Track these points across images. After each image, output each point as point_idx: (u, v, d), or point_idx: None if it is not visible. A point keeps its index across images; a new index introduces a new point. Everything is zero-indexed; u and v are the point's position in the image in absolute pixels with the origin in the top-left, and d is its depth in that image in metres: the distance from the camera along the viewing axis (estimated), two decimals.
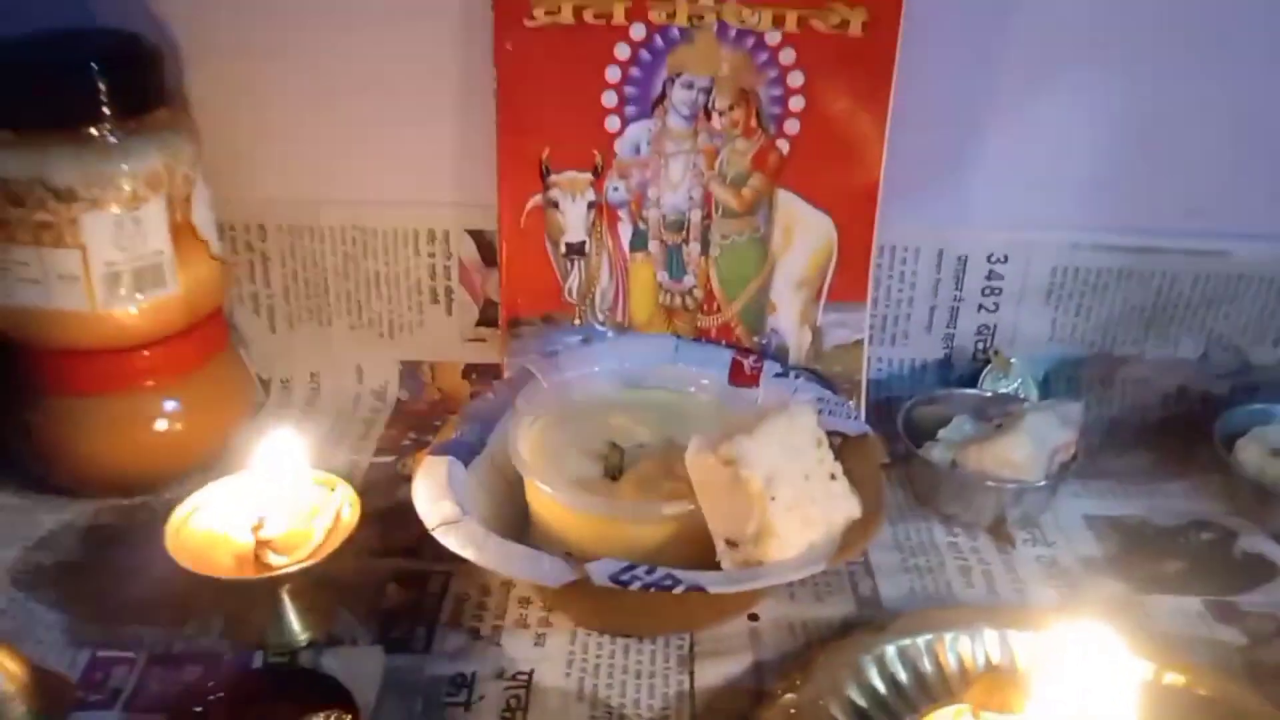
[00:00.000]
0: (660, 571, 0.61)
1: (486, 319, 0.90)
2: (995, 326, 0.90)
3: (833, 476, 0.67)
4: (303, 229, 0.88)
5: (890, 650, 0.64)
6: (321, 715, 0.59)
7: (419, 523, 0.67)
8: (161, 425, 0.79)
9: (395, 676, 0.65)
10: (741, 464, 0.63)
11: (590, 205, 0.82)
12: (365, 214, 0.88)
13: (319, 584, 0.68)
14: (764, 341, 0.84)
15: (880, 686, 0.63)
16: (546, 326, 0.84)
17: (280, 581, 0.64)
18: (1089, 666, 0.50)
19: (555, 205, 0.82)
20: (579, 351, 0.84)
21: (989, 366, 0.89)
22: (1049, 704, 0.49)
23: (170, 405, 0.79)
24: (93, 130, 0.71)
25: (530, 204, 0.82)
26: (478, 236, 0.87)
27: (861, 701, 0.62)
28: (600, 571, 0.61)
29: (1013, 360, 0.89)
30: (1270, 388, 0.90)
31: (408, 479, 0.72)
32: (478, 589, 0.72)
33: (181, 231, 0.76)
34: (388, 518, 0.77)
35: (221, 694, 0.59)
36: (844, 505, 0.67)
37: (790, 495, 0.64)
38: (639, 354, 0.83)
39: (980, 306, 0.89)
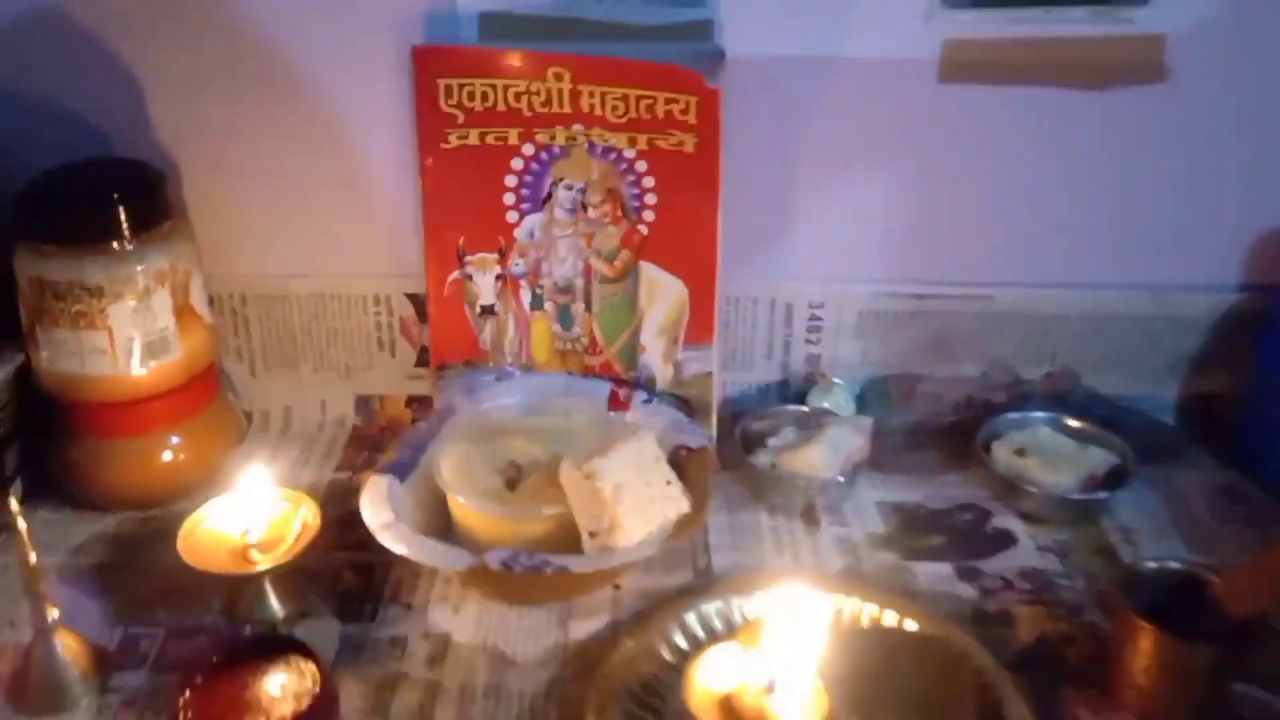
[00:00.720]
0: (538, 557, 0.83)
1: (422, 361, 1.10)
2: (820, 355, 1.11)
3: (669, 482, 0.88)
4: (275, 298, 1.09)
5: (707, 607, 0.86)
6: (292, 667, 0.80)
7: (366, 525, 0.88)
8: (168, 456, 1.00)
9: (348, 639, 0.86)
10: (597, 478, 0.84)
11: (498, 277, 1.03)
12: (325, 285, 1.08)
13: (292, 574, 0.88)
14: (637, 375, 1.05)
15: (699, 632, 0.84)
16: (467, 368, 1.05)
17: (264, 575, 0.85)
18: (805, 616, 0.71)
19: (470, 278, 1.03)
20: (493, 387, 1.04)
21: (816, 386, 1.11)
22: (781, 643, 0.70)
23: (175, 440, 1.00)
24: (114, 244, 0.92)
25: (451, 278, 1.03)
26: (414, 299, 1.08)
27: (683, 644, 0.83)
28: (493, 558, 0.82)
29: (835, 380, 1.10)
30: (1039, 396, 1.12)
31: (358, 491, 0.92)
32: (411, 574, 0.93)
33: (183, 311, 0.97)
34: (345, 521, 0.97)
35: (217, 656, 0.80)
36: (677, 504, 0.88)
37: (634, 499, 0.85)
38: (539, 387, 1.04)
39: (806, 340, 1.10)
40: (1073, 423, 1.06)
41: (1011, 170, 1.04)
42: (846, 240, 1.07)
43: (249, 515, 0.87)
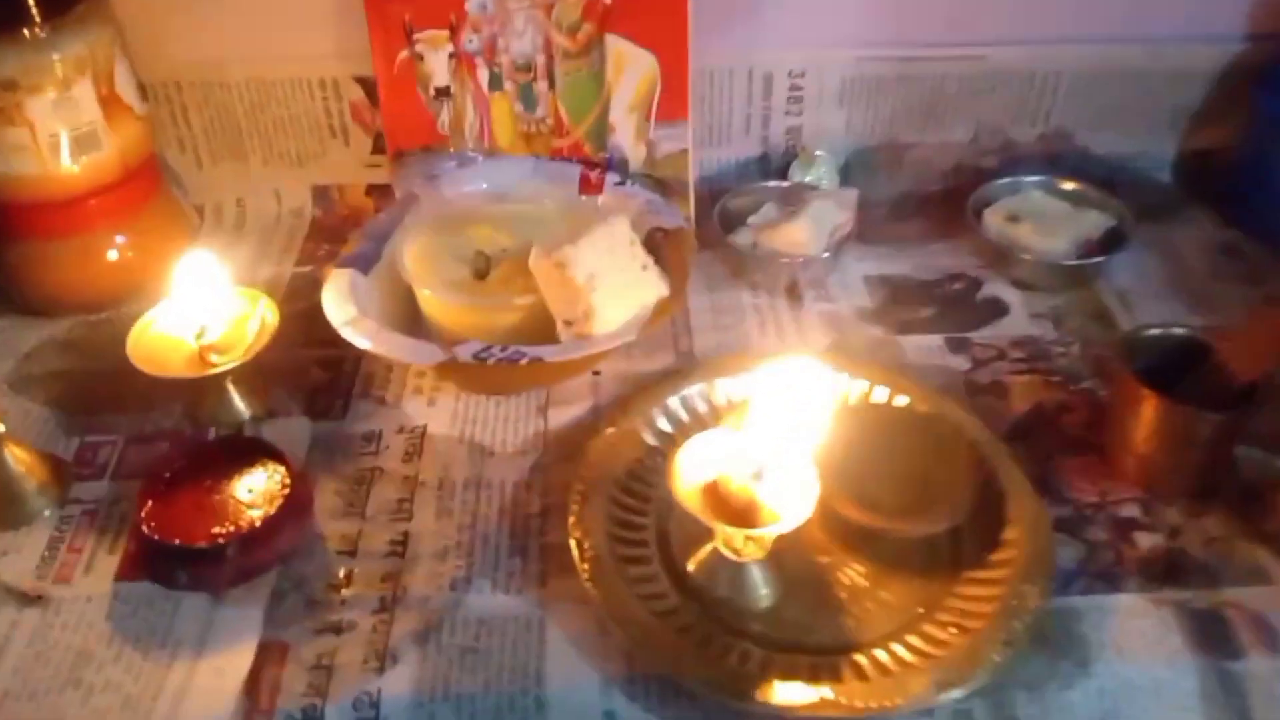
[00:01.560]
0: (511, 349, 0.75)
1: (379, 148, 1.00)
2: (801, 127, 1.01)
3: (644, 267, 0.81)
4: (213, 85, 0.97)
5: (690, 390, 0.80)
6: (260, 469, 0.74)
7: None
8: (114, 255, 0.91)
9: (320, 438, 0.80)
10: (568, 266, 0.76)
11: (450, 56, 0.91)
12: (265, 69, 0.97)
13: (256, 373, 0.81)
14: (608, 156, 0.96)
15: (683, 415, 0.79)
16: (426, 155, 0.95)
17: (222, 376, 0.78)
18: (802, 388, 0.65)
19: (421, 58, 0.91)
20: (455, 174, 0.95)
21: (797, 159, 1.02)
22: (769, 425, 0.64)
23: (120, 239, 0.91)
24: (25, 31, 0.80)
25: (400, 58, 0.91)
26: (363, 82, 0.97)
27: (668, 428, 0.78)
28: (465, 352, 0.75)
29: (818, 153, 1.01)
30: (1029, 160, 1.03)
31: (322, 285, 0.84)
32: (383, 368, 0.86)
33: (109, 102, 0.86)
34: (309, 316, 0.88)
35: (180, 462, 0.74)
36: (654, 288, 0.81)
37: (608, 285, 0.77)
38: (504, 173, 0.94)
39: (787, 112, 1.00)
40: (1066, 185, 0.98)
41: None
42: (829, 1, 0.95)
43: (203, 315, 0.79)
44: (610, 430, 0.76)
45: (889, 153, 1.03)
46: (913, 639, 0.65)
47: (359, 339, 0.77)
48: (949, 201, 1.03)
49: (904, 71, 0.98)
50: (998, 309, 0.91)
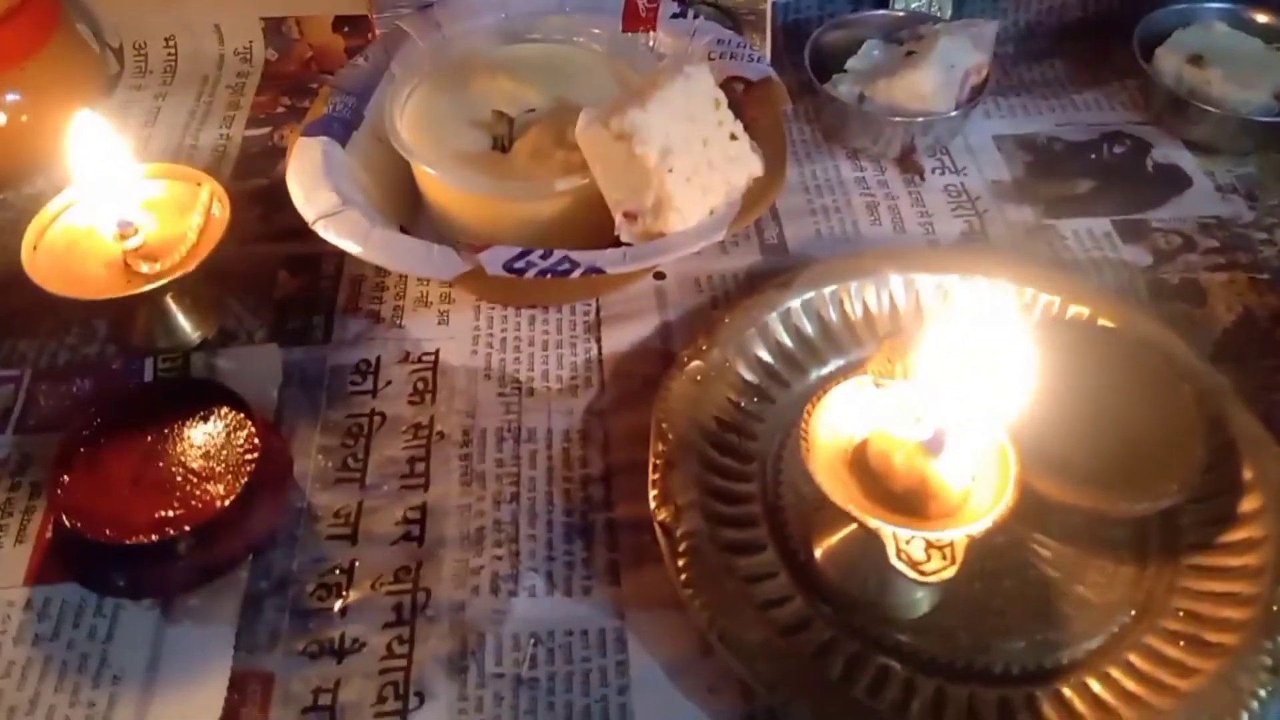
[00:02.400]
0: (556, 255, 0.57)
1: None
2: None
3: (733, 136, 0.61)
4: None
5: (795, 304, 0.62)
6: (217, 422, 0.56)
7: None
8: (1, 118, 0.70)
9: (296, 370, 0.62)
10: (635, 139, 0.57)
11: None
12: None
13: (203, 280, 0.62)
14: None
15: (787, 341, 0.61)
16: None
17: (157, 293, 0.58)
18: (982, 320, 0.47)
19: None
20: (456, 2, 0.74)
21: None
22: (944, 358, 0.47)
23: (11, 97, 0.70)
24: None
25: None
26: None
27: (769, 358, 0.60)
28: (493, 261, 0.56)
29: None
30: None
31: (286, 152, 0.65)
32: (374, 268, 0.67)
33: None
34: (270, 198, 0.71)
35: (112, 412, 0.56)
36: (745, 165, 0.61)
37: (688, 165, 0.58)
38: (523, 1, 0.73)
39: None
40: (1259, 16, 0.78)
41: None
42: None
43: (126, 206, 0.60)
44: (695, 364, 0.58)
45: None
46: (1133, 657, 0.49)
47: (344, 242, 0.58)
48: (1092, 35, 0.83)
49: None
50: (1175, 180, 0.73)
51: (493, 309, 0.65)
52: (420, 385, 0.61)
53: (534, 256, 0.56)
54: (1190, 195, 0.71)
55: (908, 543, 0.45)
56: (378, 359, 0.63)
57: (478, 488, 0.56)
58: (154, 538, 0.51)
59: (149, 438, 0.55)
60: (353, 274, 0.67)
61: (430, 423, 0.59)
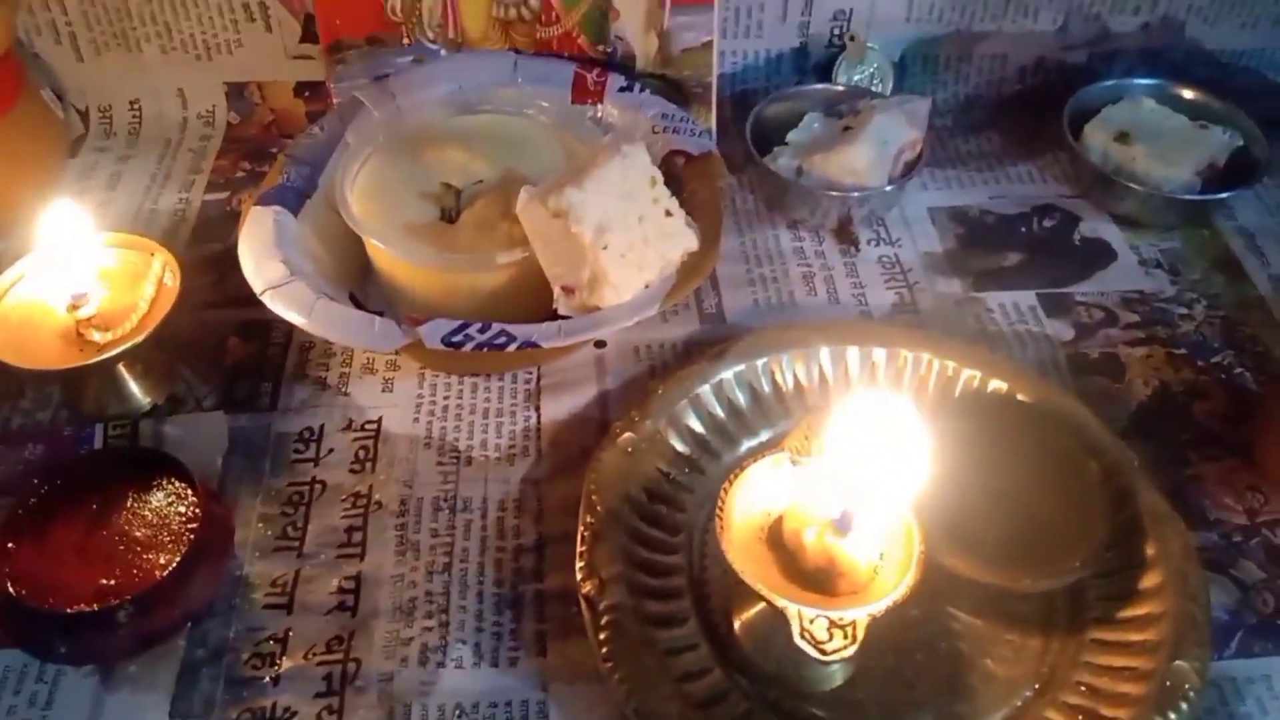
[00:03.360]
0: (494, 329, 0.59)
1: (311, 35, 0.80)
2: (851, 10, 0.83)
3: (668, 213, 0.63)
4: None
5: (728, 375, 0.64)
6: (161, 492, 0.57)
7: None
8: None
9: (241, 438, 0.63)
10: (571, 217, 0.59)
11: None
12: None
13: (154, 348, 0.64)
14: (609, 50, 0.77)
15: (719, 412, 0.63)
16: (372, 48, 0.76)
17: (107, 362, 0.60)
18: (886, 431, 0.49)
19: None
20: (411, 74, 0.76)
21: (844, 53, 0.84)
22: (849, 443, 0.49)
23: None
24: None
25: None
26: None
27: (701, 429, 0.62)
28: (432, 335, 0.58)
29: (870, 45, 0.83)
30: (1127, 56, 0.86)
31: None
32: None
33: None
34: (224, 263, 0.72)
35: (59, 480, 0.57)
36: (680, 240, 0.64)
37: (623, 242, 0.61)
38: (476, 73, 0.75)
39: None
40: (1185, 93, 0.81)
41: None
42: None
43: (79, 276, 0.62)
44: (627, 436, 0.60)
45: (957, 44, 0.85)
46: None
47: (290, 313, 0.60)
48: (1027, 108, 0.86)
49: None
50: (1101, 254, 0.75)
51: (436, 376, 0.67)
52: (361, 454, 0.63)
53: (472, 330, 0.58)
54: (1115, 269, 0.74)
55: (811, 622, 0.47)
56: (321, 427, 0.64)
57: (412, 558, 0.58)
58: (95, 606, 0.53)
59: (94, 506, 0.57)
60: (301, 341, 0.69)
61: (369, 491, 0.61)
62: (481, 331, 0.59)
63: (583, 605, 0.54)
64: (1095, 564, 0.54)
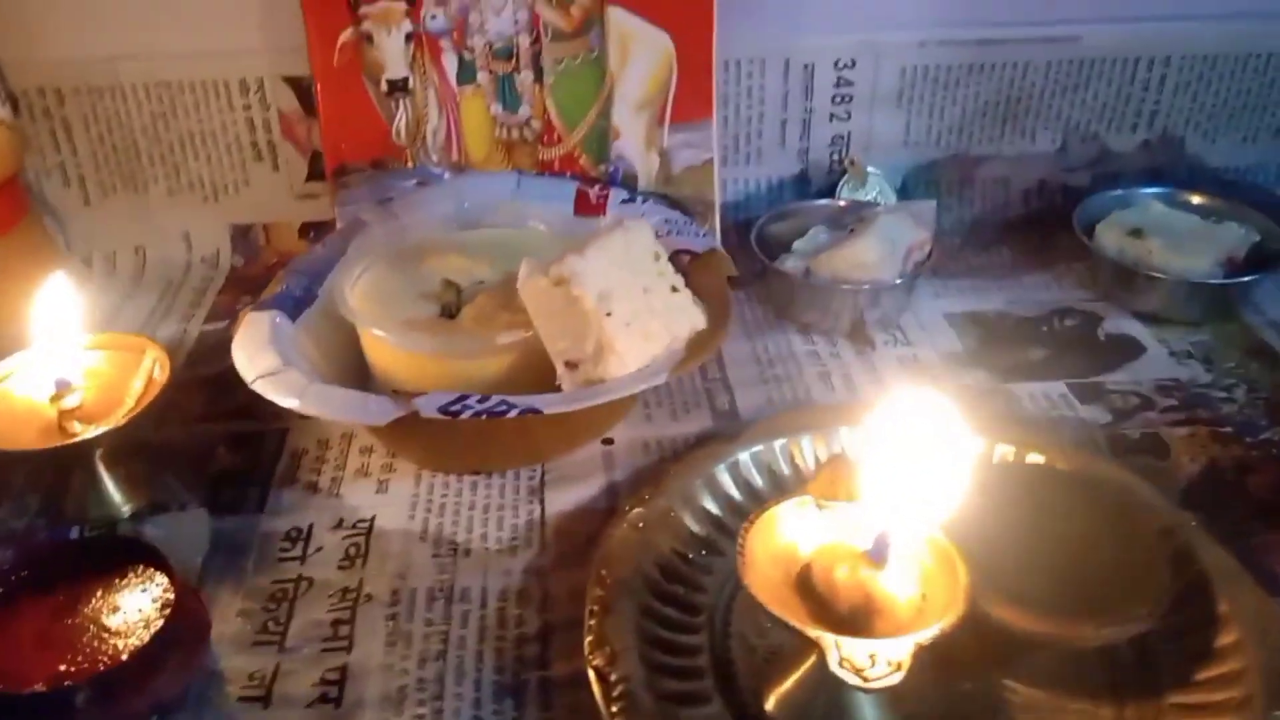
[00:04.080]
0: (494, 399, 0.57)
1: (317, 173, 0.83)
2: (849, 135, 0.85)
3: (674, 289, 0.62)
4: (103, 90, 0.80)
5: (744, 457, 0.61)
6: (135, 581, 0.53)
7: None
8: None
9: (223, 538, 0.60)
10: (573, 282, 0.58)
11: (409, 37, 0.75)
12: (170, 68, 0.79)
13: (138, 452, 0.62)
14: (610, 169, 0.79)
15: (734, 493, 0.60)
16: (376, 172, 0.78)
17: (86, 448, 0.58)
18: (923, 441, 0.46)
19: (370, 39, 0.74)
20: (414, 196, 0.77)
21: (845, 177, 0.85)
22: (884, 486, 0.45)
23: None
24: None
25: (342, 39, 0.74)
26: (295, 84, 0.80)
27: (715, 510, 0.58)
28: (429, 405, 0.56)
29: (869, 169, 0.85)
30: (1130, 175, 0.87)
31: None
32: (316, 443, 0.67)
33: None
34: (218, 384, 0.71)
35: (26, 570, 0.53)
36: (688, 317, 0.62)
37: (628, 310, 0.59)
38: (479, 193, 0.77)
39: (832, 116, 0.84)
40: (1193, 198, 0.81)
41: None
42: None
43: (67, 373, 0.60)
44: (637, 511, 0.57)
45: (958, 168, 0.87)
46: None
47: (281, 396, 0.58)
48: (1032, 228, 0.87)
49: (978, 59, 0.82)
50: (1129, 348, 0.73)
51: (434, 477, 0.64)
52: (352, 550, 0.59)
53: (470, 400, 0.56)
54: (1145, 360, 0.72)
55: (853, 654, 0.42)
56: (310, 526, 0.61)
57: (403, 648, 0.53)
58: (49, 690, 0.48)
59: (62, 596, 0.52)
60: (294, 448, 0.66)
61: (359, 586, 0.57)
62: (480, 401, 0.56)
63: (592, 679, 0.49)
64: (1161, 614, 0.49)
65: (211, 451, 0.66)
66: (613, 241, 0.61)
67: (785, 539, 0.47)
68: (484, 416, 0.56)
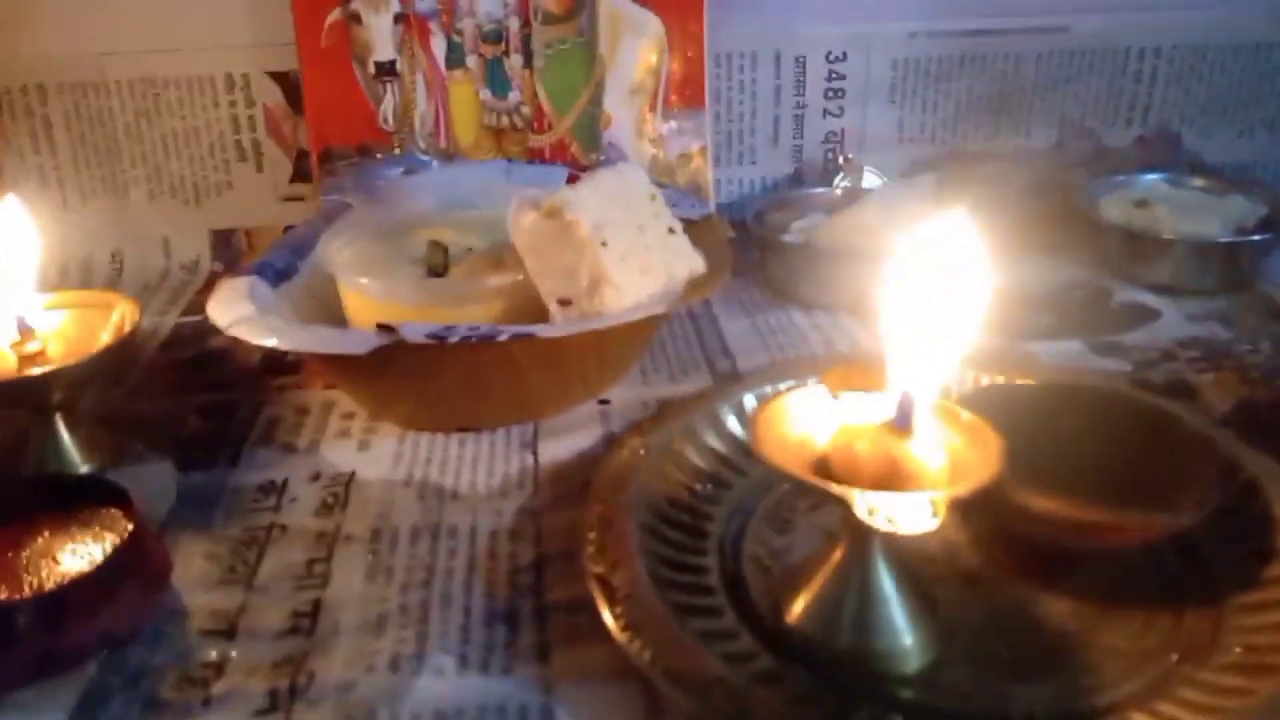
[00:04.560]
0: (484, 327, 0.53)
1: (302, 174, 0.81)
2: (843, 132, 0.84)
3: (671, 230, 0.60)
4: (86, 86, 0.78)
5: (749, 398, 0.57)
6: (94, 519, 0.49)
7: (229, 362, 0.58)
8: None
9: (192, 490, 0.55)
10: (566, 210, 0.55)
11: (397, 18, 0.74)
12: (155, 64, 0.78)
13: (104, 417, 0.58)
14: (602, 158, 0.77)
15: (739, 431, 0.55)
16: (363, 158, 0.76)
17: (43, 385, 0.54)
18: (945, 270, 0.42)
19: (358, 19, 0.74)
20: (402, 184, 0.75)
21: (840, 175, 0.84)
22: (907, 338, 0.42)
23: None
24: None
25: (330, 19, 0.74)
26: (282, 80, 0.79)
27: (719, 446, 0.55)
28: (415, 331, 0.53)
29: (867, 169, 0.83)
30: (1126, 173, 0.86)
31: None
32: (294, 411, 0.63)
33: None
34: (191, 364, 0.68)
35: None
36: (686, 259, 0.60)
37: (624, 243, 0.57)
38: (468, 181, 0.75)
39: (825, 111, 0.83)
40: (1196, 181, 0.80)
41: None
42: None
43: (27, 314, 0.57)
44: (636, 440, 0.53)
45: (954, 166, 0.85)
46: (1188, 693, 0.40)
47: (259, 336, 0.55)
48: (1036, 221, 0.84)
49: (969, 50, 0.82)
50: (1144, 313, 0.71)
51: (420, 436, 0.60)
52: (330, 500, 0.55)
53: (458, 327, 0.53)
54: (1161, 323, 0.69)
55: (877, 503, 0.38)
56: (285, 480, 0.56)
57: (384, 582, 0.48)
58: None
59: (16, 530, 0.48)
60: (271, 416, 0.62)
61: (337, 529, 0.52)
62: (471, 328, 0.53)
63: (593, 588, 0.44)
64: (1212, 508, 0.45)
65: (183, 420, 0.62)
66: (606, 179, 0.59)
67: (799, 428, 0.43)
68: (473, 340, 0.52)
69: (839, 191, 0.81)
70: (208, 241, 0.83)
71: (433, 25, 0.74)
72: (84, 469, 0.57)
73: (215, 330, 0.65)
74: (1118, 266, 0.75)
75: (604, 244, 0.55)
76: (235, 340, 0.56)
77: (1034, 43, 0.82)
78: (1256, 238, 0.71)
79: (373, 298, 0.60)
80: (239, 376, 0.66)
